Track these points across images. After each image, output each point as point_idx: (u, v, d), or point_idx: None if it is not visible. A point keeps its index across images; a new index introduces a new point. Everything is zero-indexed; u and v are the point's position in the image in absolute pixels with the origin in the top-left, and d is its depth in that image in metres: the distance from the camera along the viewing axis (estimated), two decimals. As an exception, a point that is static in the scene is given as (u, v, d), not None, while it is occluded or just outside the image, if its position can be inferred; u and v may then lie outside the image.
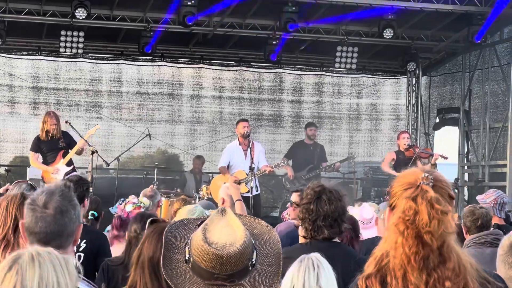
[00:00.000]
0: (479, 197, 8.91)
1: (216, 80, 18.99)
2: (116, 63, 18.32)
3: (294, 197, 7.48)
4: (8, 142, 17.97)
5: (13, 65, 17.80)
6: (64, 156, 13.27)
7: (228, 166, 14.23)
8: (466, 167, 18.16)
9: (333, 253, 4.94)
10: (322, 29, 16.89)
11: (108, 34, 17.24)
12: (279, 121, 19.27)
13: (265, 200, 18.67)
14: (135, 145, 16.47)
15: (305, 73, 19.36)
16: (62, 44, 16.07)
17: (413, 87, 19.03)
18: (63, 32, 15.97)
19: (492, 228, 6.87)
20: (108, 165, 14.25)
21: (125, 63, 18.33)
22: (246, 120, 14.64)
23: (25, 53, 17.73)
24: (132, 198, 8.58)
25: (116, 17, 16.01)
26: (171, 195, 13.97)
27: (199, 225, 2.98)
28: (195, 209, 6.69)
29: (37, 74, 17.96)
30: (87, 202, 6.56)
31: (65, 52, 16.35)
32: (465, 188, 17.96)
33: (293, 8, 15.19)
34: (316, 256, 4.00)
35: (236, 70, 18.97)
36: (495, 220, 7.69)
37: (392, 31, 15.90)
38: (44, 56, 17.77)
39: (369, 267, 2.86)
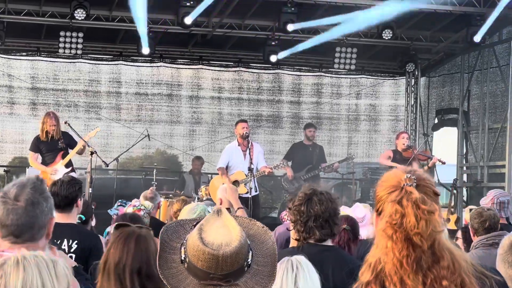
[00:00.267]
0: (481, 200, 8.90)
1: (215, 81, 19.00)
2: (115, 64, 18.32)
3: None
4: (7, 143, 17.97)
5: (12, 66, 17.80)
6: (63, 157, 13.27)
7: (227, 167, 14.24)
8: (465, 168, 18.15)
9: (324, 257, 4.94)
10: (321, 30, 16.89)
11: (107, 35, 17.25)
12: (278, 121, 19.28)
13: (264, 201, 18.68)
14: (134, 145, 16.47)
15: (304, 73, 19.37)
16: (61, 45, 16.07)
17: (412, 88, 19.04)
18: (62, 33, 15.98)
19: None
20: (107, 166, 14.25)
21: (124, 64, 18.34)
22: (245, 121, 14.65)
23: (24, 53, 17.73)
24: (134, 201, 8.61)
25: (115, 18, 16.01)
26: (170, 195, 13.99)
27: (194, 226, 2.98)
28: (196, 208, 6.69)
29: (36, 75, 17.96)
30: (80, 202, 6.53)
31: (64, 53, 16.35)
32: (464, 189, 17.96)
33: (292, 9, 15.19)
34: (297, 257, 4.00)
35: (235, 70, 18.97)
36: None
37: (391, 32, 15.91)
38: (43, 57, 17.77)
39: (365, 274, 2.83)
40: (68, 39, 16.03)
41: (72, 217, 6.40)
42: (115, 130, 18.30)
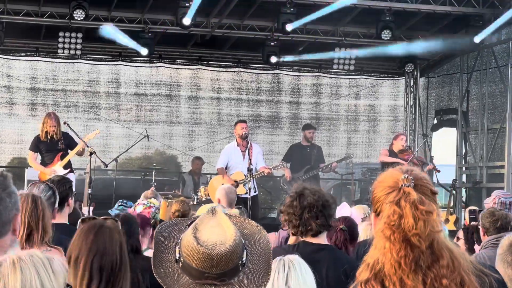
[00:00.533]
0: (485, 200, 8.89)
1: (214, 81, 19.00)
2: (114, 64, 18.32)
3: None
4: (6, 143, 17.96)
5: (11, 66, 17.80)
6: (62, 158, 13.27)
7: (226, 167, 14.24)
8: (464, 169, 18.16)
9: (319, 256, 4.95)
10: (320, 31, 16.90)
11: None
12: (277, 122, 19.28)
13: (263, 201, 18.67)
14: (133, 146, 16.47)
15: (303, 74, 19.38)
16: (60, 45, 16.09)
17: (411, 89, 19.04)
18: (61, 33, 15.99)
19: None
20: (106, 166, 14.25)
21: (123, 64, 18.34)
22: (244, 121, 14.64)
23: (23, 54, 17.74)
24: (141, 200, 8.61)
25: (114, 18, 16.00)
26: (169, 196, 13.99)
27: (189, 225, 2.98)
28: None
29: (35, 75, 17.95)
30: (71, 201, 6.51)
31: (63, 53, 16.37)
32: (463, 190, 17.96)
33: (292, 9, 15.19)
34: (289, 257, 3.99)
35: (234, 71, 18.98)
36: None
37: (390, 33, 15.91)
38: (42, 57, 17.78)
39: (363, 274, 2.83)
40: (67, 40, 16.05)
41: (63, 217, 6.38)
42: (114, 130, 18.29)
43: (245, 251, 2.96)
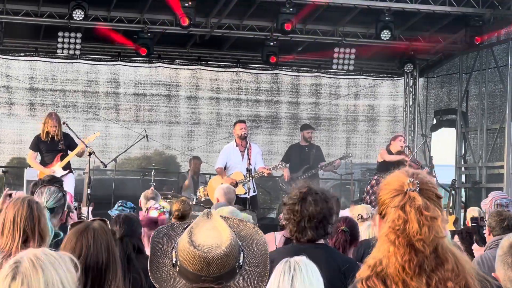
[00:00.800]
0: (482, 201, 8.88)
1: (214, 81, 18.99)
2: (113, 65, 18.31)
3: None
4: (5, 143, 17.96)
5: (10, 67, 17.79)
6: (62, 158, 13.28)
7: (225, 167, 14.23)
8: (463, 169, 18.15)
9: (314, 254, 4.95)
10: (320, 31, 16.89)
11: (105, 35, 17.21)
12: (276, 122, 19.27)
13: (262, 202, 18.65)
14: (132, 146, 16.46)
15: (302, 74, 19.37)
16: (59, 45, 16.07)
17: (411, 89, 19.03)
18: (60, 33, 15.97)
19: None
20: (106, 166, 14.25)
21: (122, 65, 18.33)
22: (243, 122, 14.63)
23: (22, 54, 17.73)
24: (152, 203, 8.60)
25: (113, 18, 15.99)
26: (169, 196, 13.97)
27: (185, 229, 2.97)
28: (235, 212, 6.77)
29: (34, 76, 17.95)
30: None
31: (62, 53, 16.35)
32: (462, 190, 17.95)
33: (291, 9, 15.17)
34: (296, 258, 3.98)
35: (233, 71, 18.97)
36: None
37: (389, 33, 15.90)
38: (41, 57, 17.78)
39: (363, 272, 2.84)
40: (66, 40, 16.03)
41: None
42: (113, 130, 18.29)
43: (242, 253, 2.95)
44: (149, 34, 16.19)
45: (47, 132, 13.24)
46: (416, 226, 2.74)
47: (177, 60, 18.67)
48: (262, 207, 18.09)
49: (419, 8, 15.41)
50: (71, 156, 13.33)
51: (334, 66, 17.60)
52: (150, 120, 18.62)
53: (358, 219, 8.42)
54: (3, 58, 17.63)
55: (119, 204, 9.26)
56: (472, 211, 9.43)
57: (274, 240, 7.62)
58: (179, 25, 15.11)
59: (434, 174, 14.92)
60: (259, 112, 19.22)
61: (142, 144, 17.37)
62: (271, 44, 16.80)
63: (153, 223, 6.97)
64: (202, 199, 14.28)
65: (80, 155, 13.37)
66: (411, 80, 18.98)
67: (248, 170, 13.50)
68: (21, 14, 15.54)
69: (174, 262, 2.94)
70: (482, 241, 7.35)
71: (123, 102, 18.59)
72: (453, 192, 16.33)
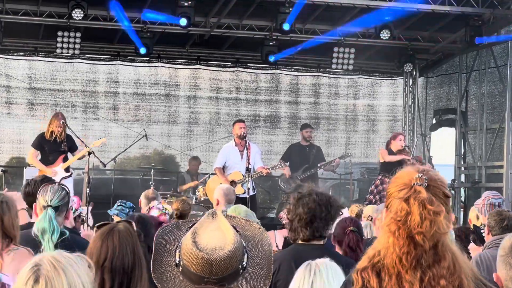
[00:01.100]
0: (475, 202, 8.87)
1: (213, 81, 18.99)
2: (112, 64, 18.31)
3: None
4: (4, 142, 17.96)
5: (9, 66, 17.79)
6: (64, 160, 13.31)
7: (224, 167, 14.21)
8: (462, 168, 18.15)
9: (313, 256, 4.99)
10: (319, 30, 16.88)
11: (104, 35, 17.23)
12: (275, 122, 19.27)
13: (261, 201, 18.65)
14: (131, 146, 16.45)
15: (301, 74, 19.37)
16: (58, 45, 16.05)
17: (410, 88, 19.03)
18: (59, 33, 15.95)
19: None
20: (105, 166, 14.23)
21: (122, 64, 18.34)
22: (242, 121, 14.61)
23: (21, 53, 17.72)
24: (155, 203, 8.61)
25: (113, 18, 15.98)
26: (168, 196, 13.98)
27: (190, 228, 2.96)
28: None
29: (34, 75, 17.95)
30: None
31: (61, 53, 16.33)
32: (462, 189, 17.95)
33: (290, 9, 15.17)
34: (318, 261, 3.98)
35: (233, 71, 18.97)
36: (484, 221, 7.59)
37: (389, 32, 15.89)
38: (40, 57, 17.77)
39: (361, 262, 2.86)
40: (65, 39, 16.01)
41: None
42: (113, 130, 18.28)
43: (246, 254, 2.93)
44: (148, 34, 16.18)
45: (51, 132, 13.26)
46: (417, 218, 2.74)
47: (177, 60, 18.67)
48: (261, 206, 18.08)
49: (418, 7, 15.41)
50: (74, 160, 13.36)
51: (334, 66, 17.58)
52: (149, 120, 18.62)
53: (368, 220, 8.44)
54: (2, 57, 17.63)
55: (119, 204, 9.27)
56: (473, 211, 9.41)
57: (274, 238, 7.64)
58: (178, 25, 15.10)
59: (434, 168, 14.92)
60: (259, 111, 19.22)
61: (142, 143, 17.37)
62: (271, 43, 16.79)
63: (158, 223, 6.94)
64: (202, 199, 14.28)
65: (81, 158, 13.39)
66: (411, 80, 18.97)
67: (248, 169, 13.49)
68: (20, 14, 15.53)
69: (177, 262, 2.93)
70: (480, 241, 7.35)
71: (123, 102, 18.59)
72: (453, 191, 16.35)
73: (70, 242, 4.99)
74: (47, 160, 13.35)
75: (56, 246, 5.00)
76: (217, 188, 10.01)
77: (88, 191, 12.76)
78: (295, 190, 14.46)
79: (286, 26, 15.17)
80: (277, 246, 7.49)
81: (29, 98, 17.99)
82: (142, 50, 16.17)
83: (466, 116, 18.07)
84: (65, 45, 16.06)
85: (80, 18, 15.04)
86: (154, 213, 8.01)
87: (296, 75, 19.34)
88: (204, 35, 17.14)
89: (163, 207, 8.26)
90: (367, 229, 7.78)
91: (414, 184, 2.80)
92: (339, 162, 16.30)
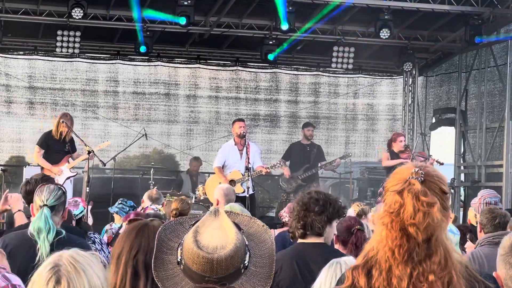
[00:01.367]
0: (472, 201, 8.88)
1: (213, 80, 18.98)
2: (112, 63, 18.31)
3: None
4: (4, 141, 17.95)
5: (9, 65, 17.79)
6: (69, 161, 13.43)
7: (223, 166, 14.20)
8: (462, 167, 18.15)
9: (314, 254, 5.02)
10: (319, 29, 16.88)
11: (104, 34, 17.23)
12: (275, 121, 19.27)
13: (261, 200, 18.65)
14: (131, 145, 16.45)
15: (301, 73, 19.37)
16: (58, 44, 16.05)
17: (410, 87, 19.03)
18: (59, 32, 15.95)
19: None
20: (105, 165, 14.23)
21: (122, 63, 18.33)
22: (242, 120, 14.61)
23: (21, 52, 17.71)
24: (147, 199, 8.62)
25: (112, 17, 15.99)
26: (167, 195, 13.98)
27: (193, 225, 2.95)
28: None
29: (34, 74, 17.94)
30: None
31: (61, 52, 16.33)
32: (461, 189, 17.96)
33: (290, 8, 15.16)
34: (345, 259, 4.00)
35: (232, 70, 18.96)
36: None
37: (388, 31, 15.89)
38: (40, 56, 17.76)
39: (357, 260, 2.86)
40: (65, 38, 16.01)
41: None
42: (112, 129, 18.28)
43: (248, 253, 2.92)
44: (148, 33, 16.17)
45: (61, 132, 13.34)
46: (410, 210, 2.74)
47: (176, 59, 18.66)
48: (261, 205, 18.10)
49: (418, 6, 15.41)
50: (80, 160, 13.42)
51: (333, 65, 17.58)
52: (149, 119, 18.62)
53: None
54: (2, 56, 17.62)
55: (119, 202, 9.33)
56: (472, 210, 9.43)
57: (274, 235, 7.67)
58: (178, 24, 15.10)
59: (440, 161, 14.91)
60: (258, 110, 19.22)
61: (141, 142, 17.36)
62: (270, 42, 16.79)
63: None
64: (201, 198, 14.28)
65: (86, 159, 13.46)
66: (410, 79, 18.97)
67: (247, 169, 13.48)
68: (20, 13, 15.53)
69: (179, 260, 2.91)
70: (477, 239, 7.37)
71: (122, 101, 18.59)
72: (452, 191, 16.35)
73: (66, 241, 5.00)
74: (51, 159, 13.39)
75: (52, 245, 5.02)
76: (217, 188, 10.00)
77: (87, 190, 12.77)
78: (296, 190, 14.50)
79: (285, 26, 15.18)
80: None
81: (29, 97, 17.99)
82: (142, 49, 16.17)
83: (466, 115, 18.06)
84: (64, 44, 16.06)
85: (80, 17, 15.03)
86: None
87: (295, 74, 19.34)
88: (203, 34, 17.13)
89: (156, 208, 8.29)
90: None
91: (409, 177, 2.79)
92: (340, 163, 16.28)
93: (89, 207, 12.28)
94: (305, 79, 19.41)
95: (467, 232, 7.91)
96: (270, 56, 16.74)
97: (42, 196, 5.34)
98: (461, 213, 16.54)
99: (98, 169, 15.87)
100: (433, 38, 17.57)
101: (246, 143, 13.82)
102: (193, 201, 13.85)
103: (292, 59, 18.85)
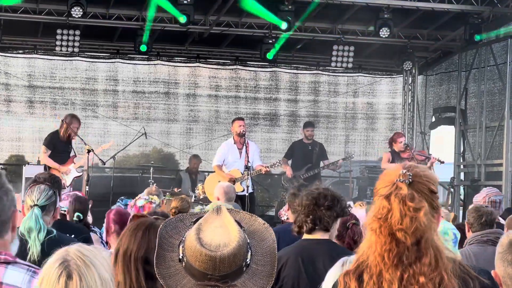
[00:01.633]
0: (474, 197, 8.88)
1: (212, 79, 18.98)
2: (112, 62, 18.31)
3: None
4: (4, 140, 17.95)
5: (9, 64, 17.78)
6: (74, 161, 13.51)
7: (222, 165, 14.20)
8: (462, 166, 18.14)
9: (316, 249, 5.04)
10: (318, 28, 16.88)
11: (104, 33, 17.23)
12: (275, 120, 19.27)
13: (261, 199, 18.66)
14: (131, 143, 16.46)
15: (301, 72, 19.36)
16: (58, 42, 16.05)
17: (409, 86, 19.03)
18: (59, 31, 15.95)
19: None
20: (104, 164, 14.25)
21: (121, 62, 18.33)
22: (242, 119, 14.60)
23: (21, 51, 17.72)
24: (142, 195, 8.64)
25: (112, 16, 15.99)
26: (167, 194, 13.96)
27: (194, 222, 2.94)
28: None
29: (33, 73, 17.94)
30: (60, 198, 6.51)
31: (61, 50, 16.33)
32: (461, 188, 17.95)
33: (290, 7, 15.16)
34: (351, 258, 4.00)
35: (232, 69, 18.96)
36: None
37: (388, 30, 15.88)
38: (40, 54, 17.76)
39: (352, 265, 2.87)
40: (65, 37, 16.01)
41: None
42: (112, 128, 18.28)
43: (249, 251, 2.91)
44: (147, 32, 16.17)
45: (69, 134, 13.40)
46: (397, 215, 2.73)
47: (176, 58, 18.66)
48: (260, 204, 18.10)
49: (418, 5, 15.41)
50: (83, 162, 13.45)
51: (333, 64, 17.58)
52: (148, 118, 18.62)
53: None
54: (1, 55, 17.63)
55: (120, 201, 9.33)
56: None
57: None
58: (177, 23, 15.09)
59: (440, 160, 14.91)
60: (258, 109, 19.22)
61: (141, 141, 17.36)
62: (270, 41, 16.78)
63: (125, 219, 6.87)
64: (201, 197, 14.28)
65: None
66: (410, 78, 18.98)
67: (246, 167, 13.49)
68: (19, 12, 15.52)
69: (181, 257, 2.91)
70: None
71: (122, 100, 18.59)
72: (452, 190, 16.34)
73: (57, 240, 5.00)
74: (56, 159, 13.45)
75: (43, 245, 5.03)
76: (217, 186, 9.98)
77: (87, 189, 12.79)
78: (298, 188, 14.49)
79: (284, 25, 15.18)
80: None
81: (28, 96, 17.98)
82: (142, 47, 16.17)
83: (466, 114, 18.05)
84: (64, 43, 16.06)
85: (80, 16, 15.01)
86: (140, 203, 8.03)
87: (295, 73, 19.34)
88: (203, 33, 17.12)
89: (148, 197, 8.27)
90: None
91: (397, 180, 2.79)
92: (342, 163, 16.30)
93: (89, 205, 12.31)
94: (305, 78, 19.40)
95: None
96: (269, 55, 16.74)
97: (32, 196, 5.36)
98: (461, 212, 16.53)
99: (97, 168, 15.88)
100: (433, 37, 17.56)
101: (246, 142, 13.83)
102: (192, 200, 13.85)
103: (291, 58, 18.85)
